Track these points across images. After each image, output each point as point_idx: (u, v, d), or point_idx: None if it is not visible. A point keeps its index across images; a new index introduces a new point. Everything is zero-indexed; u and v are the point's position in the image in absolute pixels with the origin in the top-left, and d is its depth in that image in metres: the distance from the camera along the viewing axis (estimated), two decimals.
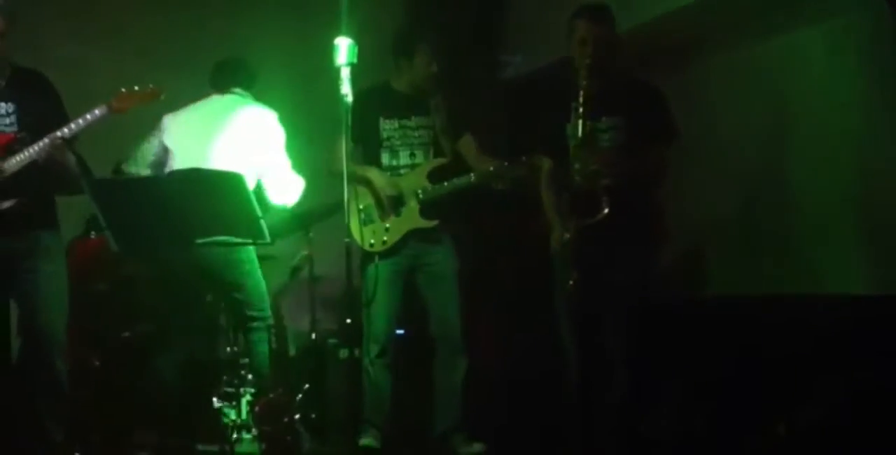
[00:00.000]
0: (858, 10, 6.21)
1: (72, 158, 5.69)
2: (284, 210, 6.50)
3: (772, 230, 6.88)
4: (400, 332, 6.72)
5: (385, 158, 6.47)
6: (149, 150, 6.40)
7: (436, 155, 6.49)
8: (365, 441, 6.33)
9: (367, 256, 6.37)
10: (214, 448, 6.07)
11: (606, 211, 5.55)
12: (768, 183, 6.89)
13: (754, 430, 6.07)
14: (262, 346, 6.40)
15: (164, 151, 6.34)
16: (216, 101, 6.49)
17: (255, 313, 6.39)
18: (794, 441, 5.89)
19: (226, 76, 6.58)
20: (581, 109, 5.63)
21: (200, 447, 6.07)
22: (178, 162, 6.20)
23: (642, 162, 5.74)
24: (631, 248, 5.72)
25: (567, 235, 5.70)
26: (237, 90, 6.50)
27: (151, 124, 6.51)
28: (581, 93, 5.64)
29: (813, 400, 5.94)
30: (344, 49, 5.22)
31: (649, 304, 5.83)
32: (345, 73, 5.26)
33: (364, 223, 6.35)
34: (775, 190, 6.84)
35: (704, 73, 7.38)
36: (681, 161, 6.17)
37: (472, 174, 6.36)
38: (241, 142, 6.33)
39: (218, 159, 6.17)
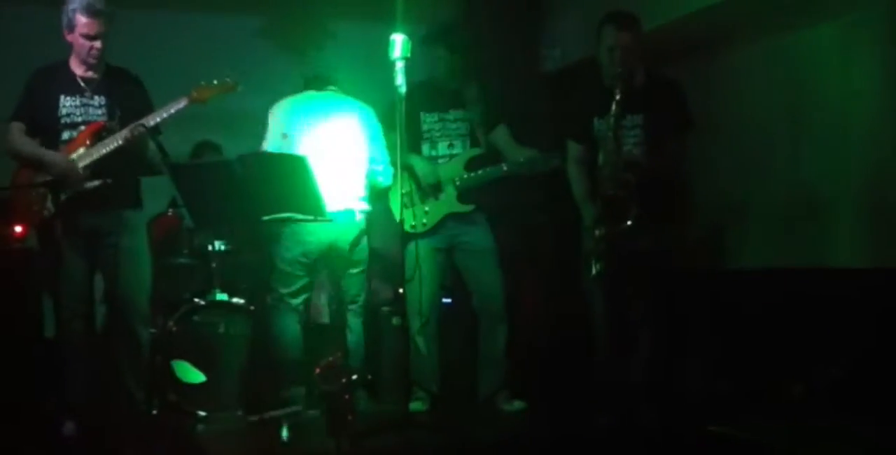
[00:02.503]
0: (873, 7, 6.34)
1: (153, 144, 5.83)
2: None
3: (787, 208, 7.00)
4: (447, 301, 6.92)
5: (425, 149, 6.67)
6: (270, 139, 6.47)
7: (472, 145, 6.66)
8: (414, 405, 6.38)
9: (409, 237, 6.48)
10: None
11: (629, 223, 5.68)
12: (785, 165, 7.01)
13: (773, 389, 6.26)
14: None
15: (282, 138, 6.41)
16: (319, 96, 6.55)
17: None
18: (809, 400, 6.08)
19: (320, 76, 6.63)
20: (613, 120, 5.74)
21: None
22: (298, 148, 6.30)
23: (664, 158, 5.83)
24: (657, 224, 5.79)
25: (598, 232, 5.84)
26: (332, 88, 6.57)
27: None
28: (614, 103, 5.73)
29: (827, 362, 6.14)
30: (399, 44, 5.41)
31: (673, 271, 5.97)
32: (399, 67, 5.45)
33: (406, 206, 6.51)
34: (792, 172, 6.97)
35: (727, 66, 7.47)
36: (704, 145, 6.35)
37: (503, 164, 6.54)
38: (354, 132, 6.46)
39: (337, 149, 6.36)
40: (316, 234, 6.32)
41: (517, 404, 6.61)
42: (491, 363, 6.68)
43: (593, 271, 5.85)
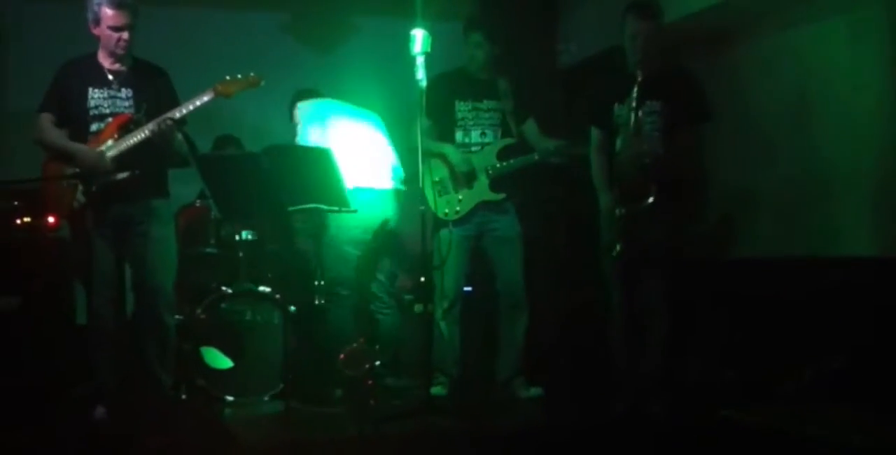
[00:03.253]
0: (879, 4, 6.39)
1: (179, 136, 5.90)
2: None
3: (795, 197, 7.03)
4: (468, 289, 6.91)
5: (458, 136, 6.70)
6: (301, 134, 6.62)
7: (503, 135, 6.69)
8: (434, 389, 6.38)
9: (441, 223, 6.58)
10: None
11: (651, 200, 5.78)
12: (793, 155, 7.04)
13: (783, 373, 6.28)
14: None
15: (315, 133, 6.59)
16: (338, 101, 6.75)
17: None
18: (818, 384, 6.09)
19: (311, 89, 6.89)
20: (635, 103, 5.85)
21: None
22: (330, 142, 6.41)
23: (678, 148, 5.91)
24: (671, 214, 5.89)
25: (619, 212, 5.93)
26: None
27: None
28: (636, 87, 5.84)
29: (835, 348, 6.16)
30: (419, 39, 5.46)
31: (685, 258, 6.04)
32: (420, 61, 5.50)
33: (439, 194, 6.61)
34: (800, 162, 7.00)
35: (739, 58, 7.51)
36: (716, 135, 6.40)
37: (535, 153, 6.58)
38: (374, 133, 6.69)
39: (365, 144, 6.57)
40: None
41: (533, 391, 6.66)
42: (509, 349, 6.71)
43: (613, 253, 5.93)
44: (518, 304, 6.70)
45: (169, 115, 5.80)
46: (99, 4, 5.83)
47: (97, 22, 5.88)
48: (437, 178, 6.55)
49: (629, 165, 5.87)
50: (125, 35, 5.87)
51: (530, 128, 6.71)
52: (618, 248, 5.93)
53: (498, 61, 6.72)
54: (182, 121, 5.88)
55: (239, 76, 5.91)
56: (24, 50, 7.78)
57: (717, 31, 7.35)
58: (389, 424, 5.76)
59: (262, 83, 6.01)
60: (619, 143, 5.97)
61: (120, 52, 5.93)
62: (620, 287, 6.08)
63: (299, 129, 6.62)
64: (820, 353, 6.21)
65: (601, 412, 6.12)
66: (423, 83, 5.49)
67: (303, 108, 6.64)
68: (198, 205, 7.34)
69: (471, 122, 6.70)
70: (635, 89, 5.84)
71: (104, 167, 5.80)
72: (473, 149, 6.69)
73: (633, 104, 5.84)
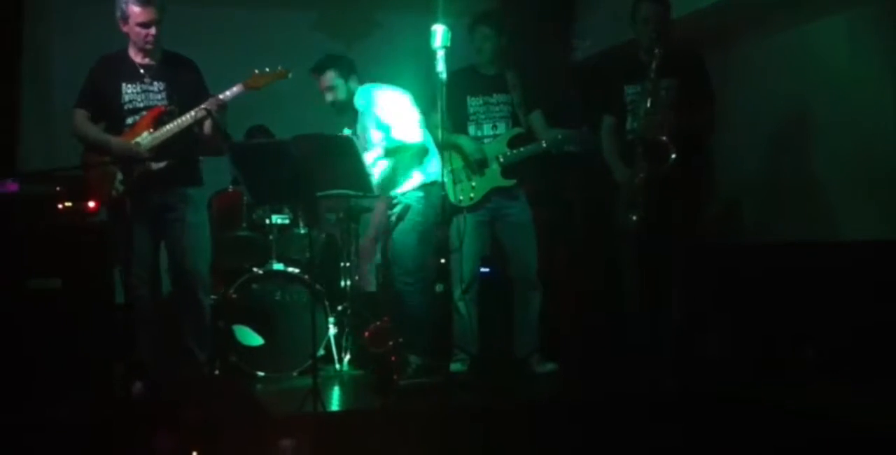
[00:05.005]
0: (879, 2, 6.47)
1: (214, 126, 6.00)
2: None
3: (798, 186, 7.10)
4: (485, 270, 6.99)
5: (471, 130, 6.83)
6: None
7: (514, 125, 6.79)
8: (454, 366, 6.64)
9: (456, 210, 6.65)
10: None
11: (674, 156, 5.94)
12: (795, 146, 7.12)
13: (788, 352, 6.41)
14: None
15: None
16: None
17: None
18: (820, 362, 6.21)
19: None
20: (651, 82, 6.06)
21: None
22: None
23: (697, 118, 6.10)
24: (684, 199, 6.10)
25: (640, 176, 6.10)
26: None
27: None
28: (654, 63, 6.05)
29: (836, 329, 6.27)
30: (440, 34, 5.56)
31: (698, 242, 6.18)
32: (440, 55, 5.60)
33: (455, 182, 6.72)
34: (801, 152, 7.09)
35: (743, 53, 7.59)
36: (722, 126, 6.48)
37: (543, 142, 6.68)
38: None
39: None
40: None
41: (549, 366, 6.78)
42: (525, 328, 6.84)
43: (632, 219, 6.10)
44: (531, 284, 6.83)
45: (205, 106, 5.89)
46: (126, 2, 5.97)
47: (125, 19, 6.00)
48: (452, 168, 6.62)
49: (650, 128, 6.04)
50: (152, 31, 5.99)
51: (536, 119, 6.81)
52: (634, 218, 6.09)
53: (505, 53, 6.82)
54: (224, 106, 5.97)
55: (267, 69, 6.02)
56: (68, 46, 7.84)
57: (723, 28, 7.41)
58: (411, 397, 5.89)
59: (290, 75, 6.12)
60: (629, 122, 6.19)
61: (148, 47, 6.05)
62: (634, 267, 6.23)
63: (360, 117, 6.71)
64: (822, 333, 6.33)
65: (618, 387, 6.21)
66: (444, 76, 5.55)
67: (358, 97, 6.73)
68: (231, 191, 7.46)
69: (482, 116, 6.82)
70: (652, 68, 6.03)
71: (138, 157, 5.91)
72: (486, 141, 6.80)
73: (650, 82, 6.05)
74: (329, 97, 6.70)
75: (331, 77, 6.65)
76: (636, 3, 6.25)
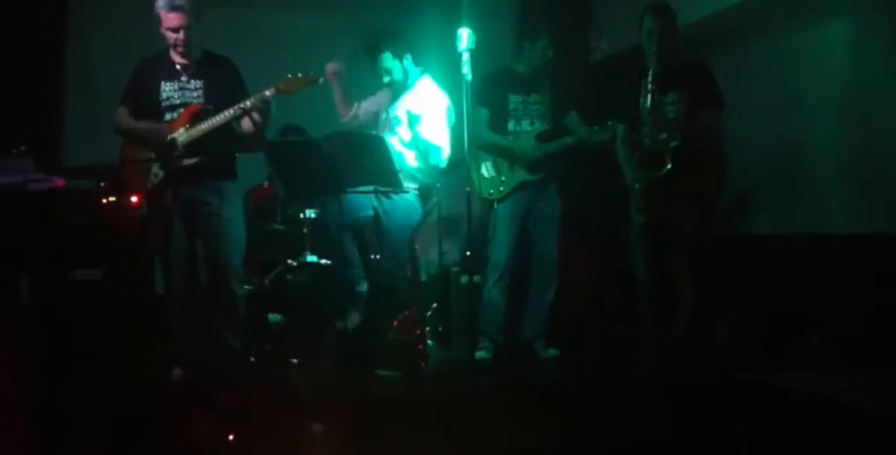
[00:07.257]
0: (881, 8, 6.47)
1: (253, 124, 5.98)
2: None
3: (802, 182, 7.12)
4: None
5: (511, 125, 6.90)
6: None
7: (548, 124, 6.89)
8: (479, 354, 6.66)
9: (488, 203, 6.85)
10: None
11: (669, 166, 5.96)
12: (799, 144, 7.13)
13: (793, 339, 6.43)
14: None
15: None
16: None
17: None
18: (824, 349, 6.25)
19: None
20: (651, 86, 6.06)
21: None
22: None
23: (703, 128, 6.13)
24: (691, 196, 6.12)
25: (638, 186, 6.15)
26: None
27: None
28: (651, 74, 6.06)
29: (838, 317, 6.31)
30: (465, 37, 5.58)
31: (706, 236, 6.21)
32: (465, 57, 5.61)
33: (486, 176, 6.84)
34: (805, 149, 7.09)
35: (748, 57, 7.60)
36: (728, 126, 6.58)
37: (568, 137, 6.76)
38: None
39: None
40: None
41: (552, 351, 6.94)
42: (535, 312, 6.98)
43: (639, 221, 6.16)
44: (550, 274, 6.97)
45: (241, 105, 5.89)
46: (158, 7, 5.99)
47: (159, 23, 6.04)
48: (484, 163, 6.80)
49: (648, 140, 6.06)
50: (181, 35, 6.01)
51: (572, 120, 6.91)
52: (641, 219, 6.15)
53: (543, 58, 6.88)
54: (267, 102, 5.96)
55: (300, 75, 6.00)
56: (111, 47, 7.87)
57: (729, 33, 7.46)
58: (437, 383, 5.94)
59: (321, 80, 6.13)
60: (644, 131, 6.14)
61: (180, 50, 6.07)
62: (645, 259, 6.27)
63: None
64: (825, 321, 6.35)
65: (629, 373, 6.26)
66: (468, 77, 5.56)
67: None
68: (266, 186, 7.56)
69: (521, 113, 6.90)
70: (650, 77, 6.04)
71: (173, 151, 5.93)
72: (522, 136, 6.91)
73: (649, 88, 6.04)
74: (386, 78, 6.74)
75: (386, 59, 6.68)
76: (642, 14, 6.24)
